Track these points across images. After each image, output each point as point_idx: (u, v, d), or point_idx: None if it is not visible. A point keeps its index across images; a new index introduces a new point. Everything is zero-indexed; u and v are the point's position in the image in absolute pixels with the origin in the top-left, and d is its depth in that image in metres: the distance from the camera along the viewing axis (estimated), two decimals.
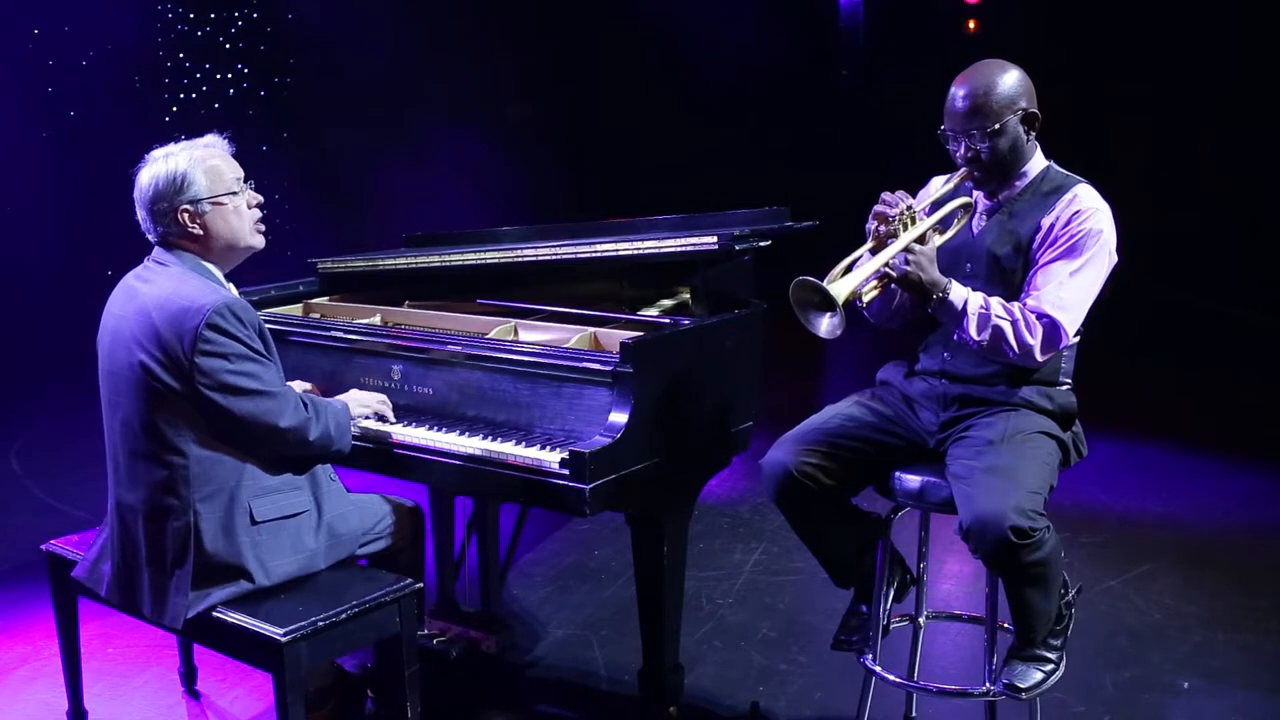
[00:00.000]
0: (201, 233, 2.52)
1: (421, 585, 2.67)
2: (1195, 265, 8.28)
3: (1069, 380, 2.64)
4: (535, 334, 2.97)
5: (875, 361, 2.90)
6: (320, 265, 3.56)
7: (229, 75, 7.63)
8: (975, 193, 2.65)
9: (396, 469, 2.77)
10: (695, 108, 9.49)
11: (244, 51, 7.69)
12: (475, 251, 3.19)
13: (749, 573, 4.01)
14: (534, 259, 3.05)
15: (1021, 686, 2.51)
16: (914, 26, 10.15)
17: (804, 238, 2.98)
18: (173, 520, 2.43)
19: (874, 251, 2.47)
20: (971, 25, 10.18)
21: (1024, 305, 2.49)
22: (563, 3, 8.87)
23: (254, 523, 2.45)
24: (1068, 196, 2.54)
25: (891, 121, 8.71)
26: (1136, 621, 3.59)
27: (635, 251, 2.90)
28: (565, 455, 2.47)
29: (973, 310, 2.47)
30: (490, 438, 2.67)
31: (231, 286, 2.59)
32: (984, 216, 2.66)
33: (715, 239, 2.80)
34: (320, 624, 2.38)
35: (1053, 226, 2.52)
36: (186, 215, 2.50)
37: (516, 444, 2.61)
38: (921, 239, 2.46)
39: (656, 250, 2.89)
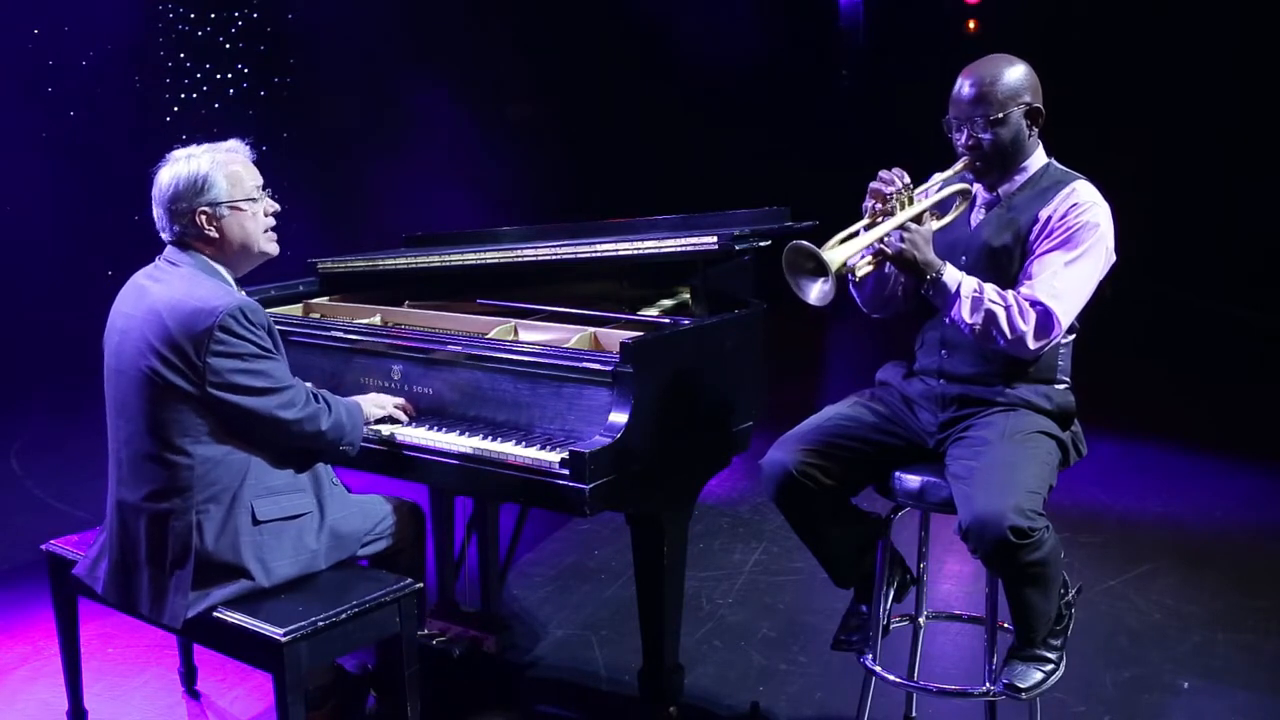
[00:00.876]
0: (217, 236, 2.53)
1: (422, 585, 2.67)
2: (1195, 265, 8.27)
3: (1067, 379, 2.64)
4: (535, 334, 2.97)
5: (875, 361, 2.90)
6: (320, 265, 3.56)
7: (229, 75, 7.62)
8: (975, 185, 2.66)
9: (397, 469, 2.77)
10: (695, 108, 9.48)
11: (244, 51, 7.68)
12: (475, 251, 3.19)
13: (749, 573, 4.01)
14: (534, 259, 3.05)
15: (1021, 686, 2.51)
16: (914, 27, 10.13)
17: (804, 238, 2.98)
18: (174, 520, 2.43)
19: (869, 228, 2.48)
20: (971, 25, 10.17)
21: (1018, 293, 2.49)
22: (563, 3, 8.87)
23: (256, 523, 2.46)
24: (1066, 190, 2.55)
25: (892, 121, 8.70)
26: (1136, 621, 3.59)
27: (635, 251, 2.90)
28: (565, 455, 2.47)
29: (966, 293, 2.47)
30: (490, 438, 2.67)
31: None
32: (982, 210, 2.66)
33: (715, 239, 2.80)
34: (320, 624, 2.38)
35: (1050, 218, 2.53)
36: (204, 217, 2.51)
37: (516, 444, 2.61)
38: (919, 219, 2.48)
39: (656, 250, 2.89)
